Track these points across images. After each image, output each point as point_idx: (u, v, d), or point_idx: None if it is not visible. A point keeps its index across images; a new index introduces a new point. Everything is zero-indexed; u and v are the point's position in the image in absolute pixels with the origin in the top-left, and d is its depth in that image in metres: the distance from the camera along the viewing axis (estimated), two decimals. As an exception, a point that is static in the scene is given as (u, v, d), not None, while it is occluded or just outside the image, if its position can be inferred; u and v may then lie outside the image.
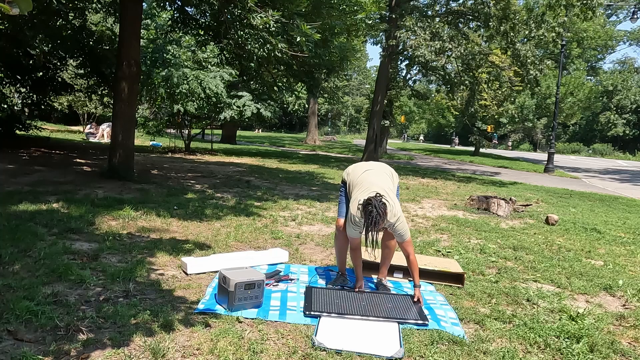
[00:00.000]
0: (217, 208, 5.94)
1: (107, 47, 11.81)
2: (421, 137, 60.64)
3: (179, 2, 9.50)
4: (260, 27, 7.09)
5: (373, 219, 2.89)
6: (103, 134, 17.65)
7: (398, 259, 3.92)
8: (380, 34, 21.61)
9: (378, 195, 2.97)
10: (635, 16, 19.67)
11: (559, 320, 3.07)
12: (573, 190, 11.66)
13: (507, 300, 3.42)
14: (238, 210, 5.93)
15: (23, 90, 13.05)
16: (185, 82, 12.25)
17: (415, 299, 3.14)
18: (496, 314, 3.10)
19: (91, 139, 17.63)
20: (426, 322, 2.83)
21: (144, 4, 8.93)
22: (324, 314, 2.87)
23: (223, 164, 12.18)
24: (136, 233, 4.48)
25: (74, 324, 2.49)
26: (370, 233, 2.95)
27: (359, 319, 2.88)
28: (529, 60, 15.77)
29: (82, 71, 12.99)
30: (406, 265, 3.76)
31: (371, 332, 2.71)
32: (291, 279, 3.55)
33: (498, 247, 5.02)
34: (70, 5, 10.35)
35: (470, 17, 18.38)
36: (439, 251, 4.70)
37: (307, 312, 2.89)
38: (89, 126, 20.01)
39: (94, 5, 11.06)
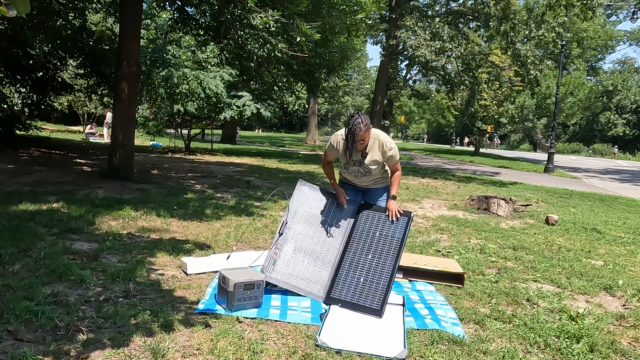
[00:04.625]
0: (217, 208, 5.94)
1: (107, 47, 11.79)
2: (458, 139, 50.62)
3: (179, 2, 9.50)
4: (260, 27, 7.09)
5: (352, 126, 3.09)
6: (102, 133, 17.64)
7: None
8: (380, 34, 21.65)
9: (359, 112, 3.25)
10: (635, 16, 19.68)
11: (559, 320, 3.07)
12: (573, 190, 11.66)
13: (507, 300, 3.42)
14: (238, 210, 5.93)
15: (23, 90, 13.03)
16: (185, 82, 12.25)
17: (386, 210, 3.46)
18: (496, 314, 3.10)
19: (91, 139, 17.62)
20: (410, 214, 3.35)
21: (144, 4, 8.93)
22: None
23: (223, 164, 12.18)
24: (136, 233, 4.48)
25: (74, 324, 2.49)
26: (349, 144, 3.17)
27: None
28: (529, 60, 15.79)
29: (82, 71, 12.97)
30: (406, 265, 3.80)
31: (375, 332, 2.71)
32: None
33: (498, 247, 5.02)
34: (70, 5, 10.33)
35: (470, 17, 18.41)
36: (439, 251, 4.70)
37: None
38: (89, 126, 20.00)
39: (94, 5, 11.05)
